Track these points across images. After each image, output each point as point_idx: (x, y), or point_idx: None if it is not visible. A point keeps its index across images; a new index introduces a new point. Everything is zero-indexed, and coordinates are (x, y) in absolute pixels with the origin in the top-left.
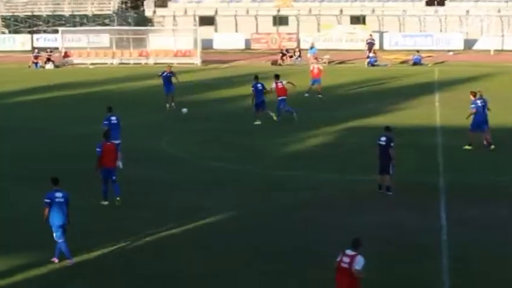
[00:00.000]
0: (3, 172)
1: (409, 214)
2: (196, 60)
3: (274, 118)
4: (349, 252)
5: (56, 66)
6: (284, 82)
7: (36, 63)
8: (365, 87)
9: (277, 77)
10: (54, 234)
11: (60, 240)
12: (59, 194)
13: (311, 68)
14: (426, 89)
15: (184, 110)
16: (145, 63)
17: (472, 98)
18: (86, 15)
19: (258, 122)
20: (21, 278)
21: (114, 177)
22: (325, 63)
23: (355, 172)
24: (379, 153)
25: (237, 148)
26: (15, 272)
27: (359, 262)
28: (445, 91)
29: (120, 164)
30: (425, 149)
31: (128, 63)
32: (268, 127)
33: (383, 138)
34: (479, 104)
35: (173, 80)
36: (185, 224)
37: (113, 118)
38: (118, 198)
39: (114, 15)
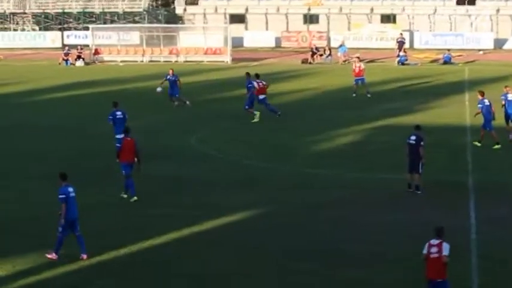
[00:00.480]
0: (32, 170)
1: (439, 213)
2: (226, 58)
3: (256, 119)
4: (434, 242)
5: (86, 64)
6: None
7: (66, 61)
8: (395, 86)
9: (257, 76)
10: (75, 229)
11: (78, 234)
12: (71, 189)
13: (353, 67)
14: (456, 88)
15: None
16: (176, 61)
17: (479, 97)
18: (116, 13)
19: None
20: (50, 275)
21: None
22: (354, 61)
23: (385, 171)
24: (408, 152)
25: (267, 146)
26: (43, 269)
27: (446, 248)
28: (475, 90)
29: None
30: (454, 148)
31: (158, 61)
32: (298, 125)
33: (413, 137)
34: (487, 104)
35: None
36: (214, 222)
37: (118, 113)
38: (125, 196)
39: (144, 12)
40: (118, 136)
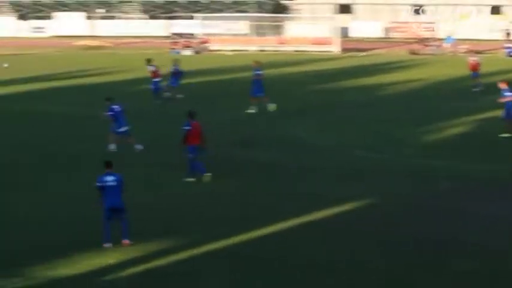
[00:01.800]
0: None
1: None
2: (334, 48)
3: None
4: None
5: (197, 52)
6: None
7: (174, 49)
8: (504, 78)
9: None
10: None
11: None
12: (110, 178)
13: (470, 61)
14: None
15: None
16: (284, 51)
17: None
18: (222, 1)
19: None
20: (162, 262)
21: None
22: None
23: (498, 162)
24: None
25: (377, 136)
26: (153, 257)
27: None
28: None
29: (139, 146)
30: None
31: (267, 50)
32: (406, 115)
33: None
34: None
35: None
36: (324, 212)
37: (116, 107)
38: (193, 179)
39: (252, 2)
40: (120, 130)
